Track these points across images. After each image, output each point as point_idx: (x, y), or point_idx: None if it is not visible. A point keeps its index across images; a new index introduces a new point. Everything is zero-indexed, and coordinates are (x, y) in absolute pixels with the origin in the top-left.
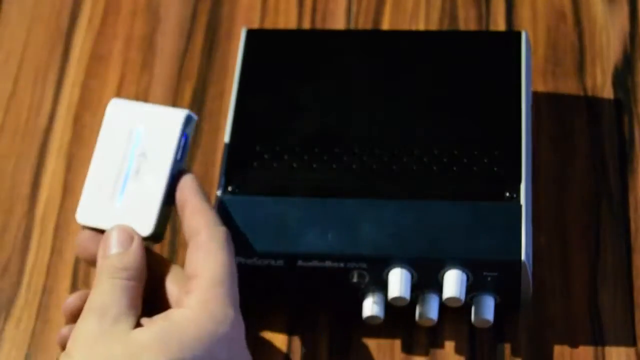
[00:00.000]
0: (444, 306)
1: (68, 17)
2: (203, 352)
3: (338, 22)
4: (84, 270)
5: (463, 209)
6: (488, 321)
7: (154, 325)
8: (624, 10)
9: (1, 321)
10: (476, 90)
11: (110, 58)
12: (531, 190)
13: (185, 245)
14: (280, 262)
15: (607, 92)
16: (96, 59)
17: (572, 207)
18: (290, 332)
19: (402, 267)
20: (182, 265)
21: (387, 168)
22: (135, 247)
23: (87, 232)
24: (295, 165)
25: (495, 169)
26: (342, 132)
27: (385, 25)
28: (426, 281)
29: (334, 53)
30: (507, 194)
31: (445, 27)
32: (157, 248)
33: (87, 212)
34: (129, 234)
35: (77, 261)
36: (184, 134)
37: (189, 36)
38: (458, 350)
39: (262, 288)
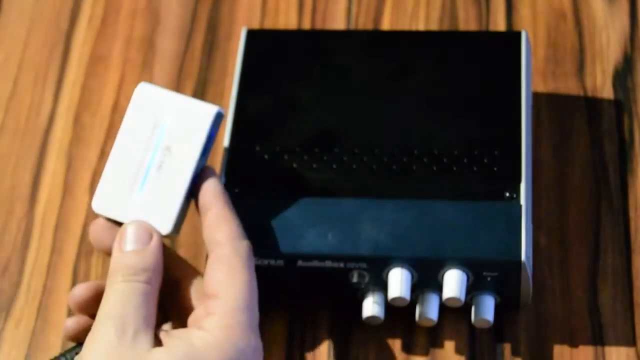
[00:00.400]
0: (444, 306)
1: (68, 17)
2: None
3: (338, 22)
4: (84, 270)
5: (463, 209)
6: (488, 321)
7: (175, 348)
8: (624, 10)
9: (1, 321)
10: (476, 90)
11: (110, 58)
12: (531, 190)
13: (184, 247)
14: (280, 262)
15: (607, 92)
16: (96, 59)
17: (572, 207)
18: (290, 332)
19: (402, 267)
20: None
21: (387, 168)
22: (154, 246)
23: (102, 221)
24: (295, 165)
25: (495, 169)
26: (342, 132)
27: (385, 25)
28: (426, 281)
29: (334, 53)
30: (507, 194)
31: (445, 27)
32: None
33: (104, 202)
34: (148, 231)
35: (77, 261)
36: (212, 131)
37: (189, 36)
38: (458, 350)
39: (262, 288)
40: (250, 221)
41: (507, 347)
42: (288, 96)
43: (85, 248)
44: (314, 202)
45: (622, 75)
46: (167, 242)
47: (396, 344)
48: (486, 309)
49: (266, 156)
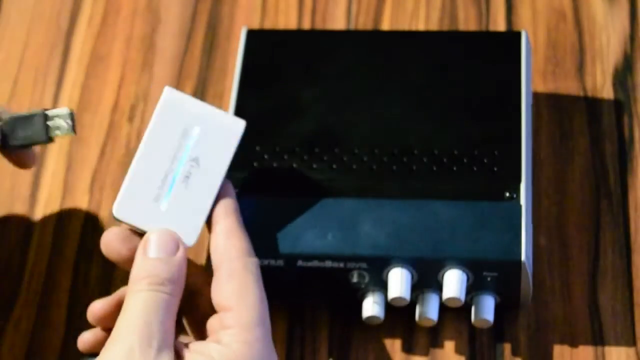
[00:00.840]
0: (444, 306)
1: (68, 17)
2: None
3: (338, 22)
4: (84, 270)
5: (463, 209)
6: (488, 321)
7: None
8: (624, 10)
9: (1, 321)
10: (476, 90)
11: (110, 58)
12: (531, 190)
13: None
14: (280, 262)
15: (607, 92)
16: (96, 59)
17: (572, 207)
18: (290, 332)
19: (402, 267)
20: None
21: (387, 168)
22: (180, 257)
23: (116, 230)
24: (295, 165)
25: (495, 169)
26: (342, 132)
27: (385, 25)
28: (426, 281)
29: (334, 53)
30: (507, 194)
31: (445, 27)
32: None
33: (126, 208)
34: (175, 241)
35: (77, 261)
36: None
37: (189, 36)
38: (458, 350)
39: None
40: (250, 221)
41: (507, 347)
42: (288, 96)
43: (85, 248)
44: (314, 202)
45: (622, 75)
46: None
47: (396, 344)
48: (486, 309)
49: (266, 156)
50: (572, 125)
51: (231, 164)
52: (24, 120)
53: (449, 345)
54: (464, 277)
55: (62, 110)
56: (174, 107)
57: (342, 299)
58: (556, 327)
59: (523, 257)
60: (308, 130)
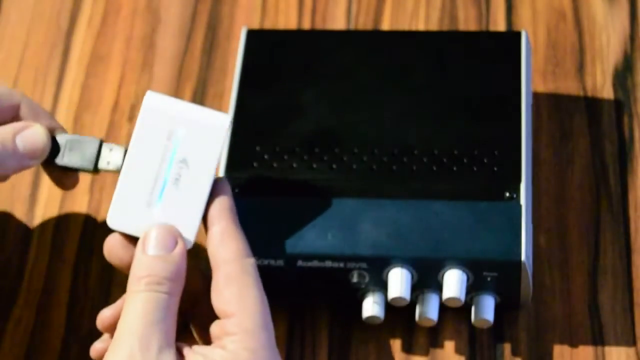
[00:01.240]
0: (444, 306)
1: (68, 17)
2: None
3: (338, 22)
4: (84, 271)
5: (463, 209)
6: (488, 321)
7: None
8: (624, 10)
9: (1, 321)
10: (476, 90)
11: (110, 58)
12: (531, 190)
13: None
14: (280, 262)
15: (607, 92)
16: (96, 59)
17: (572, 207)
18: (290, 332)
19: (402, 267)
20: None
21: (387, 168)
22: (178, 254)
23: (118, 236)
24: (295, 165)
25: (495, 169)
26: (342, 132)
27: (385, 25)
28: (426, 281)
29: (334, 53)
30: (507, 194)
31: (445, 27)
32: None
33: (120, 217)
34: (174, 236)
35: (77, 261)
36: (226, 141)
37: (189, 36)
38: (458, 350)
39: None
40: (250, 221)
41: (507, 347)
42: (288, 96)
43: (85, 248)
44: (314, 202)
45: (622, 75)
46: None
47: (396, 344)
48: (486, 309)
49: (266, 156)
50: (572, 125)
51: (220, 160)
52: (78, 143)
53: (449, 345)
54: (464, 277)
55: (119, 146)
56: (157, 110)
57: (342, 299)
58: (556, 327)
59: (523, 257)
60: (308, 130)
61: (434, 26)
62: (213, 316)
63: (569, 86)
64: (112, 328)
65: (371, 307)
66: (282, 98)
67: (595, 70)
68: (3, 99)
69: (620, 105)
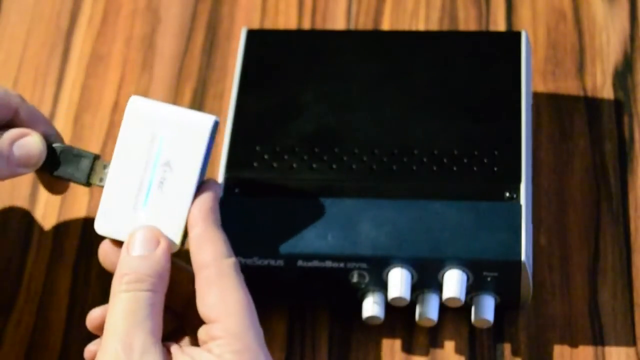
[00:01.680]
0: (444, 306)
1: (68, 17)
2: None
3: (338, 22)
4: (84, 271)
5: (463, 209)
6: (488, 321)
7: None
8: (624, 10)
9: (1, 321)
10: (476, 90)
11: (110, 58)
12: (531, 190)
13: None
14: (280, 262)
15: (607, 92)
16: (96, 59)
17: (572, 207)
18: (290, 332)
19: (402, 267)
20: None
21: (387, 168)
22: (160, 252)
23: (110, 241)
24: (295, 165)
25: (495, 169)
26: (342, 132)
27: (385, 25)
28: (426, 281)
29: (334, 53)
30: (507, 194)
31: (445, 27)
32: None
33: (106, 223)
34: (156, 237)
35: (77, 261)
36: (210, 141)
37: (189, 36)
38: (458, 350)
39: (262, 288)
40: (250, 221)
41: (507, 347)
42: (288, 96)
43: (85, 248)
44: (314, 202)
45: (622, 75)
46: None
47: (396, 344)
48: (486, 309)
49: (266, 156)
50: (572, 125)
51: (207, 160)
52: (73, 156)
53: (449, 345)
54: (464, 277)
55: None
56: (140, 114)
57: (342, 299)
58: (556, 327)
59: (523, 257)
60: (308, 130)
61: (434, 26)
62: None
63: (569, 86)
64: (101, 329)
65: (371, 307)
66: (282, 98)
67: (595, 70)
68: None
69: (620, 105)
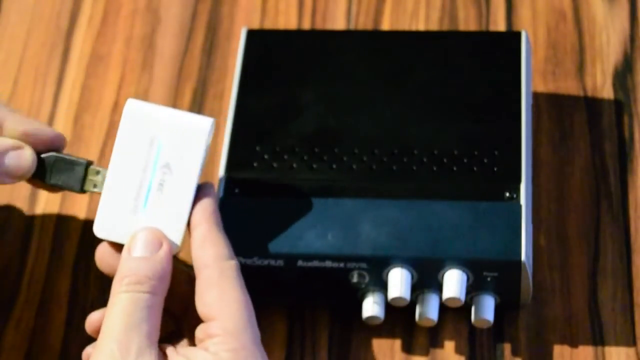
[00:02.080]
0: (444, 306)
1: (68, 17)
2: None
3: (338, 22)
4: (84, 271)
5: (463, 209)
6: (488, 321)
7: None
8: (624, 10)
9: (1, 321)
10: (476, 90)
11: (110, 58)
12: (531, 190)
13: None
14: (280, 262)
15: (607, 92)
16: (96, 59)
17: (572, 207)
18: (290, 332)
19: (402, 267)
20: None
21: (387, 168)
22: (162, 255)
23: (107, 244)
24: (295, 165)
25: (495, 169)
26: (342, 132)
27: (385, 25)
28: (426, 281)
29: (334, 53)
30: (507, 194)
31: (445, 27)
32: None
33: (106, 226)
34: (158, 238)
35: (77, 261)
36: (208, 143)
37: (189, 36)
38: (458, 350)
39: (262, 288)
40: (250, 221)
41: (507, 347)
42: (288, 96)
43: (85, 248)
44: (314, 202)
45: (622, 75)
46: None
47: (396, 344)
48: (486, 309)
49: (266, 156)
50: (572, 125)
51: (204, 163)
52: (66, 163)
53: (449, 345)
54: (464, 277)
55: (106, 170)
56: (138, 117)
57: (342, 299)
58: (556, 327)
59: (523, 257)
60: (308, 130)
61: (434, 26)
62: (202, 320)
63: (569, 86)
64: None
65: (371, 307)
66: (282, 98)
67: (595, 70)
68: None
69: (620, 105)
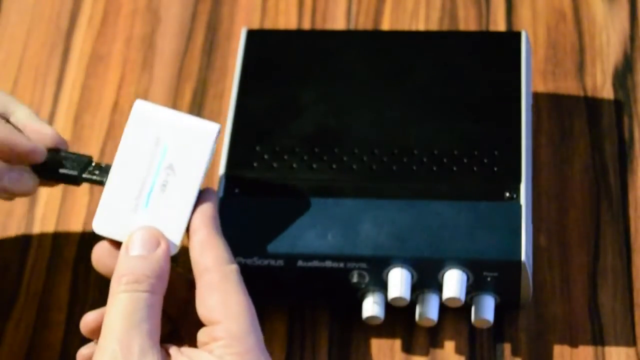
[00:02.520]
0: (444, 306)
1: (68, 17)
2: None
3: (338, 22)
4: (84, 271)
5: (463, 209)
6: (488, 321)
7: None
8: (624, 10)
9: (1, 321)
10: (476, 90)
11: (110, 58)
12: (531, 190)
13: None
14: (280, 262)
15: (607, 92)
16: (96, 59)
17: (572, 207)
18: (290, 332)
19: (402, 267)
20: None
21: (387, 168)
22: (160, 253)
23: (105, 244)
24: (295, 165)
25: (495, 169)
26: (342, 132)
27: (385, 25)
28: (426, 281)
29: (334, 53)
30: (507, 194)
31: (445, 27)
32: None
33: (106, 222)
34: (156, 238)
35: (77, 261)
36: (213, 148)
37: (189, 36)
38: (458, 350)
39: (262, 288)
40: (250, 221)
41: (507, 347)
42: (288, 96)
43: (85, 248)
44: (314, 202)
45: (622, 75)
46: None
47: (396, 344)
48: (486, 309)
49: (266, 156)
50: (572, 125)
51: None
52: (68, 159)
53: (449, 345)
54: (464, 277)
55: (108, 164)
56: (145, 118)
57: (342, 299)
58: (556, 327)
59: (523, 257)
60: (308, 130)
61: (434, 26)
62: (202, 324)
63: (569, 86)
64: (95, 333)
65: (371, 307)
66: (282, 98)
67: (595, 70)
68: None
69: (620, 105)
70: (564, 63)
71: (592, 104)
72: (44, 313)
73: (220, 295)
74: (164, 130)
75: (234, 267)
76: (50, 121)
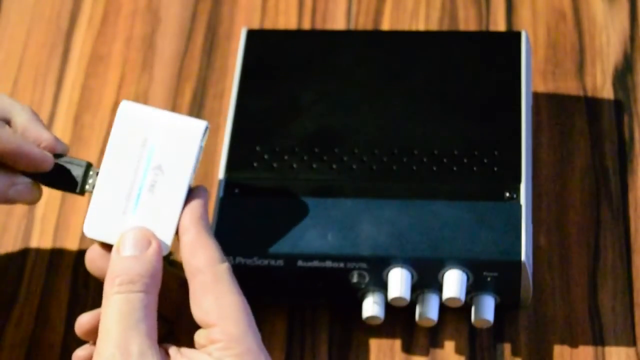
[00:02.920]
0: (444, 306)
1: (68, 17)
2: None
3: (338, 22)
4: (84, 270)
5: (463, 209)
6: (488, 321)
7: None
8: (624, 10)
9: (1, 321)
10: (476, 90)
11: (110, 58)
12: (531, 190)
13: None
14: (280, 262)
15: (607, 92)
16: (96, 59)
17: (572, 207)
18: (290, 332)
19: (402, 267)
20: None
21: (387, 168)
22: (152, 253)
23: (97, 247)
24: (295, 166)
25: (495, 169)
26: (342, 132)
27: (385, 25)
28: (426, 281)
29: (334, 53)
30: (507, 194)
31: (445, 27)
32: None
33: (96, 226)
34: (147, 237)
35: (77, 261)
36: (201, 146)
37: (189, 36)
38: (458, 350)
39: (262, 288)
40: (250, 221)
41: (507, 347)
42: (288, 96)
43: (85, 248)
44: (314, 202)
45: (622, 75)
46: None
47: (396, 344)
48: (486, 309)
49: (266, 156)
50: (572, 125)
51: (197, 164)
52: (66, 164)
53: (449, 345)
54: (464, 277)
55: None
56: (131, 119)
57: (342, 299)
58: (556, 327)
59: (523, 257)
60: (308, 130)
61: (434, 26)
62: (198, 324)
63: (569, 86)
64: (90, 334)
65: (371, 307)
66: (282, 98)
67: (595, 70)
68: None
69: (620, 105)
70: (564, 63)
71: (592, 104)
72: (44, 313)
73: (214, 297)
74: (150, 130)
75: (225, 266)
76: (50, 121)
